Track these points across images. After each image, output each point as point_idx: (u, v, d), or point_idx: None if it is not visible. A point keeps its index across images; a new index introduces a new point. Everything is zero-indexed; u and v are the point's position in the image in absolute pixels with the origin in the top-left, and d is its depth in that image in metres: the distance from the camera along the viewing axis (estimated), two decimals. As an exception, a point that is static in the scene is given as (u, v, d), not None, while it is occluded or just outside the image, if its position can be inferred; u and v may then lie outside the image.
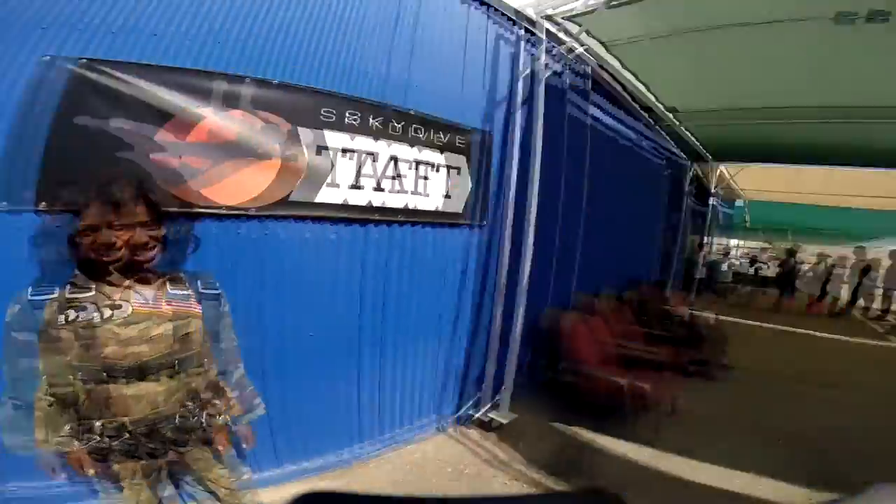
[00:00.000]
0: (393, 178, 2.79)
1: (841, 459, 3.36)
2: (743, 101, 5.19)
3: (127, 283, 1.44)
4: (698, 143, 7.87)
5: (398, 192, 2.81)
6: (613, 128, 5.85)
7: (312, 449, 2.77)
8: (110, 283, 1.41)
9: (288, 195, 2.41)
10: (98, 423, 1.38)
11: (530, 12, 3.60)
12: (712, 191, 10.16)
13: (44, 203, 1.90)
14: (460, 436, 3.46)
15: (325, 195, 2.53)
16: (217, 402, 1.59)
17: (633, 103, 5.93)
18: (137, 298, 1.44)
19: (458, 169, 3.14)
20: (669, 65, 4.48)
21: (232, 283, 2.26)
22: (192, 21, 2.25)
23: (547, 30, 3.58)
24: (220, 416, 1.58)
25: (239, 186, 2.29)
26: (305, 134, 2.48)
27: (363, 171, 2.66)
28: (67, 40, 1.98)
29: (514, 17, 3.62)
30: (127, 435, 1.40)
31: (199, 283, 1.59)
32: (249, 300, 2.38)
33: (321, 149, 2.52)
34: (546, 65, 3.51)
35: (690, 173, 9.76)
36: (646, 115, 6.34)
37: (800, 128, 5.78)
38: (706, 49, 3.98)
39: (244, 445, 1.74)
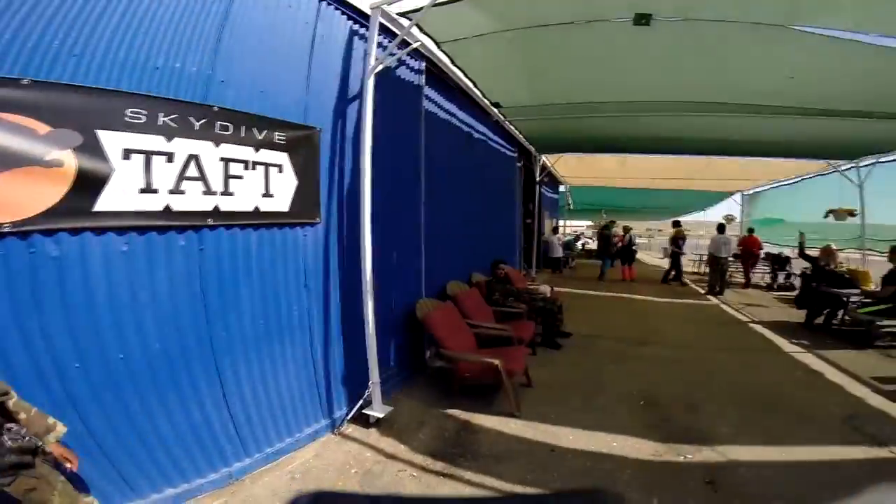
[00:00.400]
0: (196, 178, 2.57)
1: (671, 410, 3.98)
2: (559, 97, 5.86)
3: None
4: (522, 137, 8.76)
5: (203, 193, 2.59)
6: (464, 121, 6.17)
7: (183, 472, 2.62)
8: None
9: (55, 206, 2.08)
10: None
11: (363, 5, 3.62)
12: (537, 179, 11.39)
13: None
14: (341, 437, 3.41)
15: (107, 203, 2.23)
16: (12, 425, 1.57)
17: (485, 99, 6.33)
18: None
19: (280, 166, 3.01)
20: (491, 62, 4.87)
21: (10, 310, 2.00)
22: None
23: (381, 24, 3.63)
24: (24, 438, 1.56)
25: (6, 200, 1.94)
26: (72, 136, 2.15)
27: (154, 173, 2.40)
28: None
29: (346, 10, 3.60)
30: None
31: None
32: (26, 325, 2.04)
33: (96, 151, 2.21)
34: (378, 58, 3.53)
35: (539, 164, 10.80)
36: (495, 110, 6.81)
37: (615, 121, 6.73)
38: (525, 48, 4.41)
39: (68, 465, 1.71)
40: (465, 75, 5.39)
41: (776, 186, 13.83)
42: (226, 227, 2.73)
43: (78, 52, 2.25)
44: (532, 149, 9.97)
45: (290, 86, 3.21)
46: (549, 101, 6.14)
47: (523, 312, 5.67)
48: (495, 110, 6.83)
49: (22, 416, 1.65)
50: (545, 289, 7.42)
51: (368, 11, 3.61)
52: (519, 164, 9.43)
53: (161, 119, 2.46)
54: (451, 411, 3.86)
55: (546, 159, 11.36)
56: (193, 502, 2.62)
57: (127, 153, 2.32)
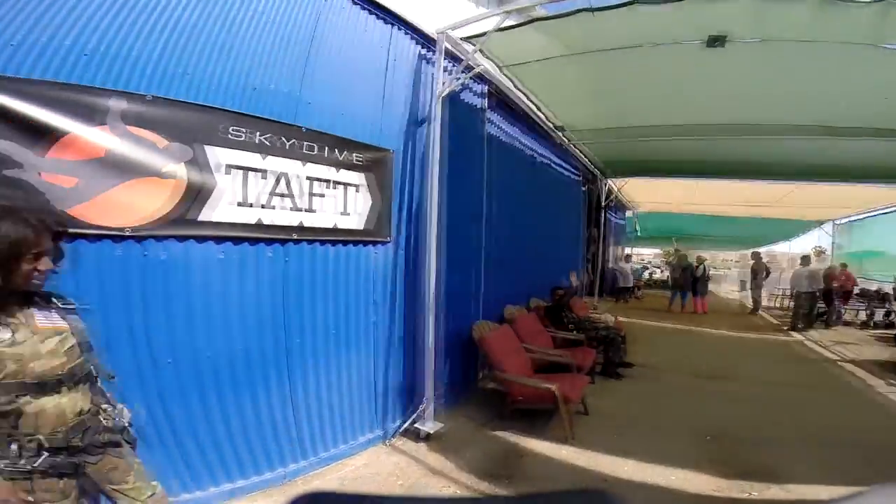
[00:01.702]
0: (283, 195, 2.82)
1: (739, 446, 3.68)
2: (627, 120, 5.79)
3: (26, 303, 1.49)
4: (587, 160, 8.65)
5: (291, 209, 2.83)
6: (526, 144, 6.25)
7: (243, 468, 2.77)
8: (13, 304, 1.45)
9: (167, 215, 2.36)
10: (43, 437, 1.43)
11: (430, 30, 3.82)
12: (603, 203, 11.09)
13: None
14: (392, 448, 3.48)
15: (210, 214, 2.50)
16: (107, 406, 1.64)
17: (548, 122, 6.39)
18: (38, 318, 1.50)
19: (371, 187, 3.24)
20: (556, 85, 4.93)
21: (111, 306, 2.23)
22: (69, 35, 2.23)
23: (446, 48, 3.81)
24: (114, 419, 1.64)
25: (112, 206, 2.21)
26: (185, 151, 2.44)
27: (250, 188, 2.66)
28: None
29: (414, 35, 3.82)
30: (45, 453, 1.43)
31: (57, 300, 1.60)
32: (132, 323, 2.30)
33: (203, 166, 2.49)
34: (445, 82, 3.73)
35: (605, 188, 10.61)
36: (559, 133, 6.85)
37: (688, 144, 6.52)
38: (591, 71, 4.44)
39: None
40: (528, 98, 5.48)
41: (874, 215, 12.60)
42: (308, 242, 2.96)
43: (190, 72, 2.55)
44: (597, 172, 9.84)
45: (367, 108, 3.42)
46: (616, 123, 6.05)
47: (583, 340, 5.54)
48: (559, 133, 6.85)
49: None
50: (608, 317, 7.21)
51: (435, 36, 3.79)
52: (583, 189, 9.32)
53: (258, 137, 2.73)
54: (500, 433, 3.83)
55: (612, 183, 11.12)
56: (246, 499, 2.73)
57: (228, 168, 2.59)
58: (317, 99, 3.09)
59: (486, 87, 4.92)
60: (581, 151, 8.04)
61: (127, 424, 1.71)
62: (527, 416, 4.02)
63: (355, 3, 3.34)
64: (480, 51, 3.99)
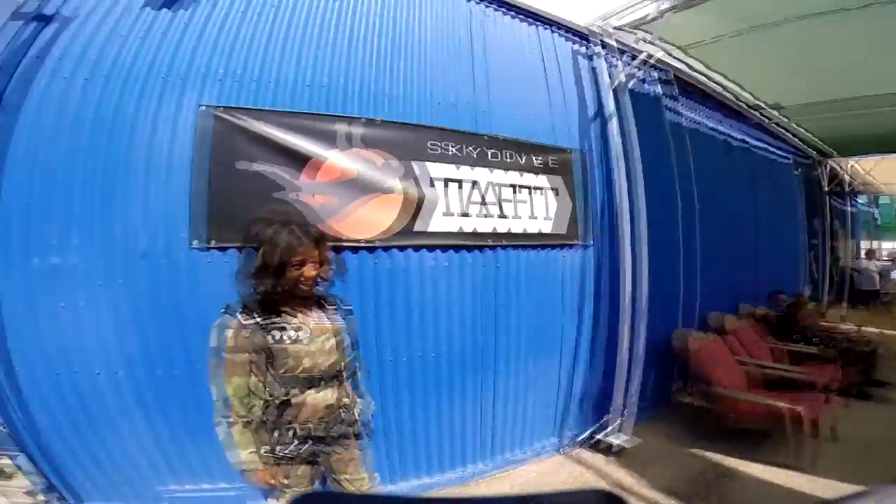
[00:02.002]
0: (494, 203, 2.90)
1: None
2: (854, 89, 4.56)
3: (305, 306, 1.68)
4: (801, 140, 7.04)
5: (501, 216, 2.90)
6: (717, 129, 5.45)
7: (431, 465, 2.87)
8: (295, 307, 1.65)
9: (406, 226, 2.62)
10: (299, 427, 1.60)
11: (599, 26, 3.62)
12: (826, 188, 8.81)
13: (196, 241, 2.30)
14: (577, 459, 3.30)
15: (438, 224, 2.70)
16: (346, 400, 1.75)
17: (739, 103, 5.51)
18: (314, 318, 1.68)
19: (556, 189, 3.16)
20: (758, 61, 4.12)
21: (360, 308, 2.46)
22: (316, 70, 2.68)
23: (619, 41, 3.59)
24: (357, 413, 1.77)
25: (364, 221, 2.53)
26: (414, 167, 2.69)
27: (451, 198, 2.78)
28: (209, 90, 2.47)
29: (584, 33, 3.68)
30: (310, 441, 1.62)
31: (333, 302, 1.80)
32: (365, 322, 2.54)
33: (429, 180, 2.71)
34: (627, 75, 3.46)
35: (826, 171, 8.61)
36: (757, 113, 5.82)
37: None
38: (797, 40, 3.62)
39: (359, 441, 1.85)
40: (715, 80, 4.75)
41: None
42: (502, 248, 2.97)
43: (388, 93, 2.80)
44: (815, 153, 8.04)
45: (537, 109, 3.33)
46: (833, 95, 4.87)
47: (819, 353, 4.49)
48: (758, 113, 5.79)
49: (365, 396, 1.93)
50: (848, 327, 5.77)
51: (592, 30, 3.60)
52: (797, 172, 7.69)
53: (451, 149, 2.85)
54: (700, 452, 3.33)
55: (839, 164, 8.93)
56: (425, 497, 2.75)
57: (432, 181, 2.75)
58: (492, 107, 3.12)
59: (664, 75, 4.43)
60: (790, 131, 6.67)
61: (369, 417, 1.85)
62: (736, 436, 3.42)
63: (506, 13, 3.42)
64: (647, 39, 3.60)
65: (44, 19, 2.45)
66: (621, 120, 3.44)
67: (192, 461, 2.45)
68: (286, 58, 2.66)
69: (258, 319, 1.56)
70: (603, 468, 3.18)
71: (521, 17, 3.49)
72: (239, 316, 1.56)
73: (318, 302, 1.75)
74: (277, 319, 1.59)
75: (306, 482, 1.66)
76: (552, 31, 3.65)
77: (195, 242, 2.30)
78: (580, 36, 3.74)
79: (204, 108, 2.41)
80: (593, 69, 3.69)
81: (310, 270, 1.60)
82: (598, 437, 3.41)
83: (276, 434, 1.59)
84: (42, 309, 2.21)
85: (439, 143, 2.80)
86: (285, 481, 1.59)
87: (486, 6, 3.35)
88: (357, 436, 1.79)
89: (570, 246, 3.27)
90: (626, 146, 3.41)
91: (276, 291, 1.57)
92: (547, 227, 3.10)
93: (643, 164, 3.40)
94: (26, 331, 2.22)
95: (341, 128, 2.59)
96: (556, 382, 3.35)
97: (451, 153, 2.82)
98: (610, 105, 3.49)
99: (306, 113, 2.58)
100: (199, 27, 2.60)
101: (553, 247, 3.18)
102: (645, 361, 3.87)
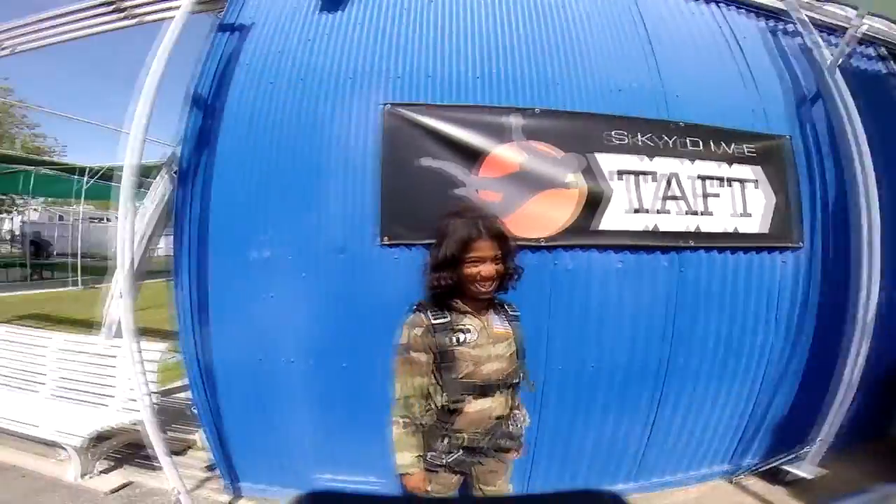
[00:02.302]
0: (675, 198, 2.49)
1: None
2: None
3: (486, 308, 1.57)
4: None
5: (684, 213, 2.49)
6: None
7: (577, 478, 2.65)
8: (476, 309, 1.54)
9: (571, 224, 2.36)
10: (466, 436, 1.51)
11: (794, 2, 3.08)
12: None
13: (387, 237, 2.30)
14: (736, 487, 2.86)
15: (607, 222, 2.39)
16: (518, 412, 1.63)
17: None
18: (495, 322, 1.56)
19: (755, 182, 2.64)
20: None
21: (532, 314, 2.33)
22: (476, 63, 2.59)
23: (820, 16, 3.10)
24: (517, 425, 1.62)
25: (527, 218, 2.34)
26: (578, 160, 2.43)
27: (642, 193, 2.45)
28: (390, 88, 2.50)
29: (776, 8, 3.18)
30: (460, 451, 1.52)
31: (507, 307, 1.65)
32: (537, 328, 2.38)
33: (595, 173, 2.42)
34: (837, 52, 2.83)
35: None
36: None
37: None
38: None
39: (516, 455, 1.70)
40: None
41: None
42: (704, 250, 2.55)
43: (558, 82, 2.61)
44: None
45: (729, 93, 2.89)
46: None
47: None
48: None
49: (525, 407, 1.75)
50: None
51: (792, 3, 3.07)
52: None
53: (639, 139, 2.53)
54: None
55: None
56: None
57: (618, 174, 2.45)
58: (682, 91, 2.78)
59: (881, 50, 3.57)
60: None
61: (523, 431, 1.65)
62: None
63: None
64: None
65: (241, 28, 2.65)
66: (835, 102, 2.82)
67: (351, 453, 2.50)
68: (452, 51, 2.63)
69: (439, 320, 1.48)
70: (770, 498, 2.72)
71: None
72: (422, 315, 1.50)
73: (497, 305, 1.62)
74: (459, 321, 1.51)
75: (450, 490, 1.57)
76: (737, 10, 3.21)
77: (384, 239, 2.32)
78: (771, 12, 3.25)
79: (388, 105, 2.43)
80: (797, 47, 3.15)
81: (487, 270, 1.46)
82: (783, 466, 2.86)
83: (444, 441, 1.51)
84: (255, 298, 2.38)
85: (624, 133, 2.50)
86: (428, 488, 1.50)
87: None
88: (516, 450, 1.66)
89: (777, 248, 2.72)
90: (845, 131, 2.77)
91: (453, 289, 1.50)
92: (747, 226, 2.60)
93: (880, 152, 2.74)
94: (236, 318, 2.43)
95: (515, 120, 2.44)
96: (741, 404, 2.85)
97: (635, 143, 2.51)
98: (823, 85, 2.90)
99: (480, 106, 2.50)
100: (372, 26, 2.68)
101: (754, 249, 2.66)
102: (860, 386, 3.16)
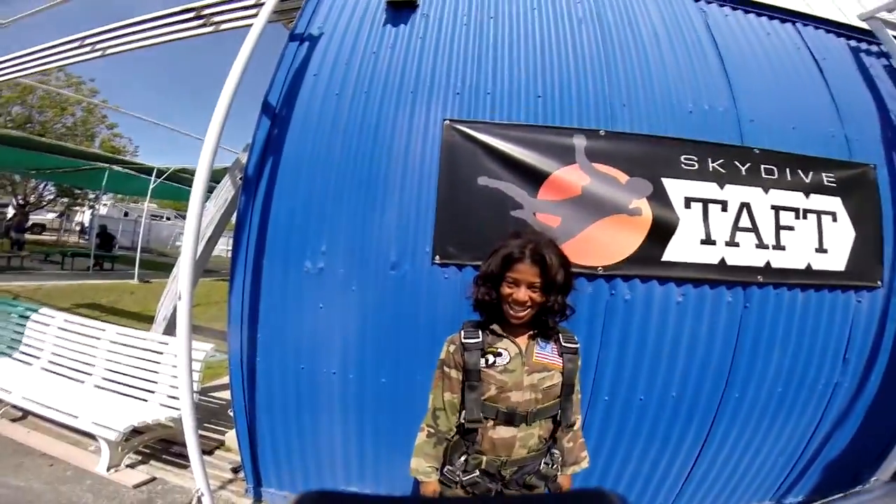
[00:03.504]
0: (747, 229, 2.30)
1: None
2: None
3: (532, 334, 1.47)
4: None
5: (754, 247, 2.29)
6: None
7: None
8: (516, 334, 1.46)
9: (633, 254, 2.21)
10: (485, 459, 1.44)
11: (881, 18, 2.82)
12: None
13: (439, 256, 2.24)
14: None
15: (672, 253, 2.22)
16: (555, 451, 1.52)
17: None
18: (539, 351, 1.46)
19: (834, 214, 2.40)
20: None
21: (585, 342, 2.22)
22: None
23: None
24: (553, 465, 1.51)
25: (587, 244, 2.20)
26: (645, 185, 2.27)
27: (711, 223, 2.27)
28: (450, 104, 2.44)
29: (832, 27, 2.99)
30: (477, 472, 1.44)
31: (561, 337, 1.52)
32: (586, 357, 2.25)
33: (664, 200, 2.25)
34: None
35: None
36: None
37: None
38: None
39: None
40: None
41: None
42: (773, 286, 2.34)
43: (626, 103, 2.46)
44: None
45: (818, 116, 2.66)
46: None
47: None
48: None
49: (568, 444, 1.58)
50: None
51: (863, 25, 2.87)
52: None
53: (710, 165, 2.34)
54: None
55: None
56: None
57: (687, 201, 2.27)
58: (757, 115, 2.57)
59: None
60: None
61: (558, 472, 1.54)
62: None
63: (747, 12, 2.96)
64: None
65: (311, 39, 2.65)
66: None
67: (379, 469, 2.46)
68: (513, 69, 2.53)
69: (471, 339, 1.44)
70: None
71: (771, 16, 2.96)
72: (460, 333, 1.47)
73: (550, 334, 1.50)
74: (494, 342, 1.44)
75: None
76: (815, 28, 2.99)
77: (436, 258, 2.24)
78: (855, 31, 2.99)
79: (448, 121, 2.35)
80: (882, 68, 2.89)
81: (521, 294, 1.36)
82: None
83: (462, 459, 1.45)
84: (305, 307, 2.36)
85: (695, 158, 2.33)
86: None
87: (720, 5, 2.92)
88: (547, 488, 1.54)
89: (867, 288, 2.48)
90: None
91: (490, 308, 1.44)
92: (822, 263, 2.37)
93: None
94: (284, 325, 2.41)
95: (578, 141, 2.32)
96: (794, 441, 2.64)
97: (710, 169, 2.33)
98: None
99: (542, 126, 2.38)
100: (433, 40, 2.60)
101: (843, 288, 2.43)
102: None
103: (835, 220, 2.40)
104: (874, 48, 2.97)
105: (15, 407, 3.18)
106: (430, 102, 2.43)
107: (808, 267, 2.34)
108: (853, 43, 3.01)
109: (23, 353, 3.62)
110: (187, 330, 2.14)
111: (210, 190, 3.41)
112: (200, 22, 3.14)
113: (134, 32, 3.39)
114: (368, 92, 2.49)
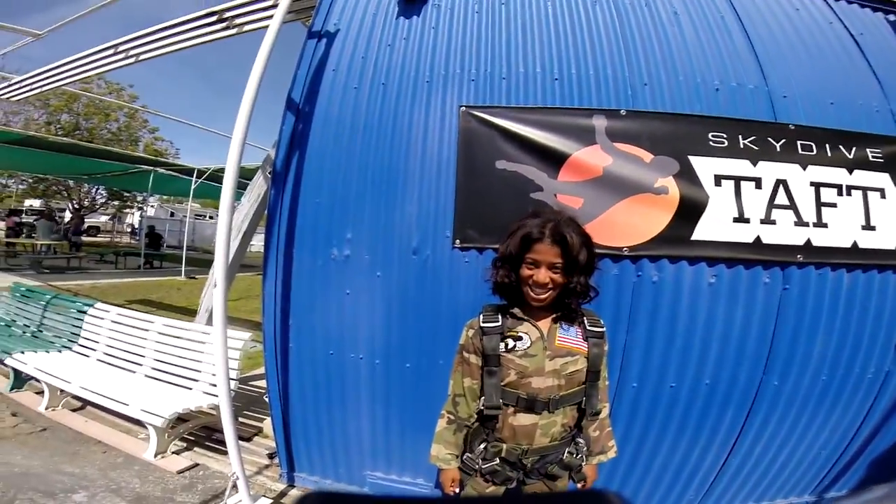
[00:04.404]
0: (784, 207, 2.13)
1: None
2: None
3: (556, 317, 1.40)
4: None
5: (793, 224, 2.12)
6: None
7: (644, 502, 2.43)
8: (537, 318, 1.39)
9: (661, 233, 2.09)
10: (505, 447, 1.38)
11: None
12: None
13: (459, 240, 2.19)
14: None
15: (702, 232, 2.08)
16: (580, 440, 1.46)
17: None
18: (562, 335, 1.38)
19: (881, 191, 2.20)
20: None
21: (611, 327, 2.06)
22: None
23: None
24: (578, 454, 1.44)
25: (611, 225, 2.10)
26: (671, 163, 2.14)
27: (744, 200, 2.12)
28: (466, 91, 2.40)
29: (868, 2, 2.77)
30: (497, 460, 1.39)
31: (585, 320, 1.43)
32: (612, 341, 2.11)
33: (692, 178, 2.12)
34: None
35: None
36: None
37: None
38: None
39: (581, 485, 1.51)
40: None
41: None
42: (815, 266, 2.15)
43: (647, 82, 2.34)
44: None
45: (857, 91, 2.46)
46: None
47: None
48: None
49: (594, 432, 1.51)
50: None
51: None
52: None
53: (742, 142, 2.19)
54: None
55: None
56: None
57: (717, 179, 2.12)
58: (792, 90, 2.40)
59: None
60: None
61: (583, 462, 1.46)
62: None
63: None
64: None
65: (328, 35, 2.67)
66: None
67: (404, 454, 2.44)
68: (528, 53, 2.46)
69: (490, 323, 1.38)
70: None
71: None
72: (479, 317, 1.41)
73: (574, 317, 1.41)
74: (514, 326, 1.37)
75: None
76: (847, 2, 2.80)
77: (456, 242, 2.20)
78: (891, 4, 2.79)
79: (464, 108, 2.31)
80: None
81: (542, 276, 1.29)
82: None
83: (482, 446, 1.39)
84: (333, 294, 2.37)
85: (724, 136, 2.17)
86: (455, 489, 1.44)
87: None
88: (571, 478, 1.49)
89: None
90: None
91: (515, 291, 1.36)
92: (869, 241, 2.17)
93: None
94: (314, 312, 2.42)
95: (598, 122, 2.22)
96: (839, 433, 2.44)
97: (741, 146, 2.17)
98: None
99: (560, 108, 2.29)
100: (446, 30, 2.57)
101: (877, 267, 2.23)
102: None
103: (883, 196, 2.19)
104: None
105: (75, 397, 3.32)
106: (446, 90, 2.39)
107: (855, 245, 2.14)
108: (892, 17, 2.79)
109: (81, 345, 3.80)
110: (223, 317, 2.18)
111: (244, 186, 3.53)
112: (223, 25, 3.23)
113: (163, 38, 3.52)
114: (385, 84, 2.47)
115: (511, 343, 1.35)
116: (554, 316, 1.40)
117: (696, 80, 2.37)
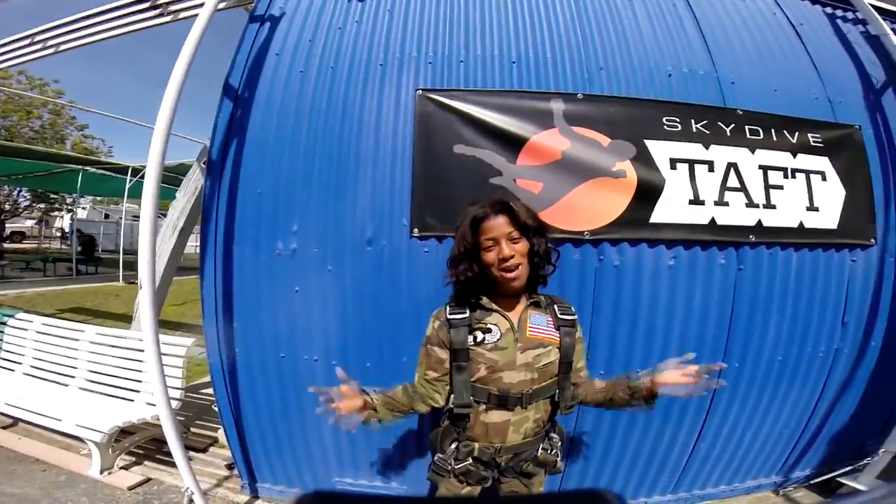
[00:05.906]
0: (735, 189, 2.19)
1: None
2: None
3: (526, 307, 1.33)
4: None
5: (745, 205, 2.18)
6: None
7: (621, 489, 2.43)
8: (509, 307, 1.32)
9: (620, 217, 2.09)
10: (477, 446, 1.33)
11: None
12: None
13: (417, 229, 2.09)
14: (783, 499, 2.62)
15: (660, 214, 2.10)
16: (554, 435, 1.41)
17: None
18: (533, 325, 1.31)
19: (822, 173, 2.30)
20: None
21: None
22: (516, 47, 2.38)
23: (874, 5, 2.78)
24: (552, 450, 1.40)
25: (571, 209, 2.08)
26: (628, 147, 2.16)
27: (699, 183, 2.15)
28: (422, 74, 2.30)
29: None
30: (470, 460, 1.33)
31: (556, 308, 1.37)
32: (587, 333, 2.13)
33: (648, 162, 2.14)
34: None
35: None
36: None
37: None
38: None
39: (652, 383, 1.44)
40: None
41: None
42: (766, 246, 2.23)
43: (603, 66, 2.35)
44: None
45: (799, 80, 2.58)
46: None
47: None
48: None
49: (600, 384, 1.44)
50: None
51: None
52: None
53: (694, 126, 2.24)
54: None
55: None
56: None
57: (672, 163, 2.16)
58: (738, 77, 2.48)
59: None
60: None
61: (558, 458, 1.41)
62: None
63: None
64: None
65: (272, 19, 2.50)
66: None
67: (373, 457, 2.33)
68: (486, 35, 2.42)
69: (457, 315, 1.30)
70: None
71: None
72: (445, 308, 1.33)
73: (544, 305, 1.36)
74: (482, 318, 1.30)
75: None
76: None
77: (414, 231, 2.10)
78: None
79: (420, 91, 2.22)
80: (860, 35, 2.83)
81: (504, 250, 1.23)
82: (838, 479, 2.59)
83: (453, 446, 1.33)
84: (280, 292, 2.21)
85: (677, 120, 2.21)
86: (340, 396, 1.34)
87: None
88: (546, 473, 1.45)
89: (846, 246, 2.38)
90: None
91: (481, 283, 1.29)
92: (814, 221, 2.27)
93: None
94: (260, 312, 2.25)
95: (556, 105, 2.19)
96: (797, 412, 2.53)
97: (694, 130, 2.22)
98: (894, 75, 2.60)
99: (518, 90, 2.26)
100: (402, 12, 2.48)
101: (821, 246, 2.33)
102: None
103: (824, 179, 2.30)
104: (850, 15, 2.92)
105: (3, 414, 3.02)
106: (402, 73, 2.31)
107: (801, 225, 2.24)
108: (829, 10, 2.96)
109: (4, 359, 3.47)
110: (152, 321, 1.96)
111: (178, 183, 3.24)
112: (157, 12, 2.96)
113: (87, 26, 3.20)
114: (335, 67, 2.35)
115: (480, 336, 1.28)
116: (524, 305, 1.34)
117: (650, 65, 2.41)
